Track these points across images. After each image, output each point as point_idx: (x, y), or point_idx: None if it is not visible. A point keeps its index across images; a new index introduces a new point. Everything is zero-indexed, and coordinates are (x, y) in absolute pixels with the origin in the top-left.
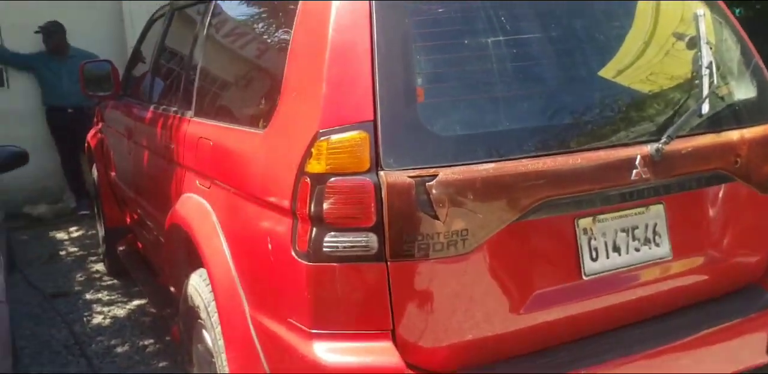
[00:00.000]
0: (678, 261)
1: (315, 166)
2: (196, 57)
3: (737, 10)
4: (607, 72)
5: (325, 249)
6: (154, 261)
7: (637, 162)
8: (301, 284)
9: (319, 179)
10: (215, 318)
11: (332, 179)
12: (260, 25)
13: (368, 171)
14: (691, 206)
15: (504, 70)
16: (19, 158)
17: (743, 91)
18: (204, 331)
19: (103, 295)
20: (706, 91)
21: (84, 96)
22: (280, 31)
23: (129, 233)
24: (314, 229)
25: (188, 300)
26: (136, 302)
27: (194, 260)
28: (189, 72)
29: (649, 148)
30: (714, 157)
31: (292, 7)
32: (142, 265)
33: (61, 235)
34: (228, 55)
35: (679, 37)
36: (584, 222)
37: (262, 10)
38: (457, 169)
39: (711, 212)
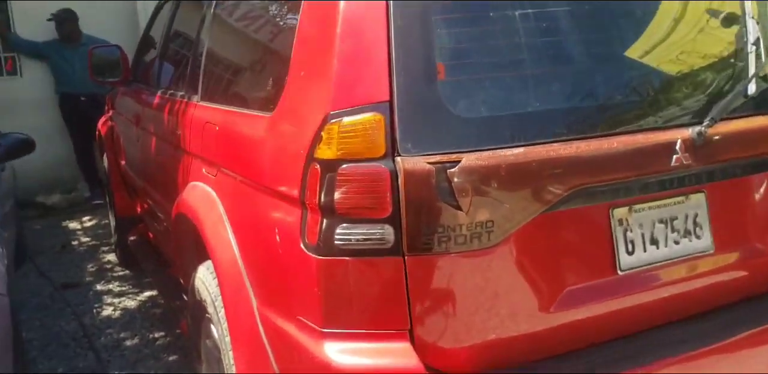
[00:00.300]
0: (720, 255)
1: (325, 152)
2: (202, 39)
3: None
4: (644, 49)
5: (336, 242)
6: (165, 252)
7: (677, 146)
8: (311, 279)
9: (330, 166)
10: (222, 313)
11: (344, 166)
12: (267, 2)
13: (383, 157)
14: (735, 195)
15: (533, 46)
16: (25, 145)
17: None
18: (212, 326)
19: (114, 286)
20: (752, 70)
21: (94, 83)
22: (287, 5)
23: (140, 223)
24: (325, 221)
25: (195, 293)
26: (147, 293)
27: (202, 251)
28: (195, 55)
29: (690, 132)
30: (761, 141)
31: None
32: (152, 255)
33: (74, 225)
34: (234, 35)
35: (716, 14)
36: (620, 212)
37: None
38: (482, 154)
39: (756, 202)
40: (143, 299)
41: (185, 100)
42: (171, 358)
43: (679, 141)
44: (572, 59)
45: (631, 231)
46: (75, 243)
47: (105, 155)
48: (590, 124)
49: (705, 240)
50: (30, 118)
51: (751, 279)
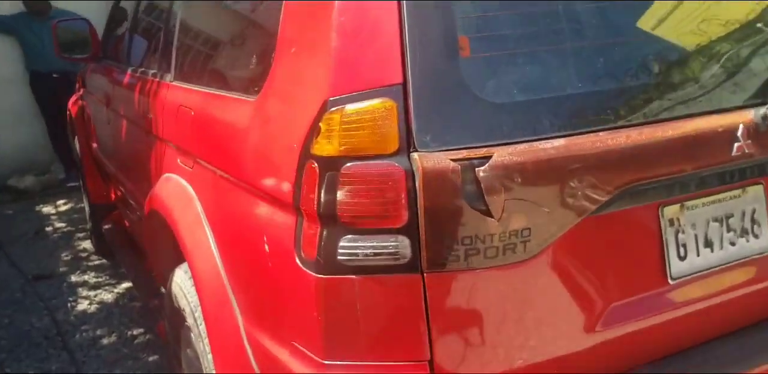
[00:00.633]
0: None
1: (324, 147)
2: (174, 10)
3: None
4: (697, 20)
5: (340, 257)
6: (141, 243)
7: (739, 132)
8: (308, 301)
9: (331, 164)
10: (203, 326)
11: (348, 164)
12: None
13: (397, 153)
14: None
15: (573, 16)
16: None
17: None
18: (192, 336)
19: (90, 277)
20: None
21: (61, 59)
22: None
23: (115, 210)
24: (325, 231)
25: (173, 299)
26: (125, 285)
27: (179, 252)
28: (167, 28)
29: (753, 115)
30: None
31: None
32: (128, 246)
33: (48, 209)
34: (210, 4)
35: None
36: (670, 210)
37: None
38: (516, 148)
39: None
40: (121, 291)
41: (157, 79)
42: (151, 358)
43: (741, 126)
44: (619, 31)
45: (683, 232)
46: (49, 229)
47: (76, 137)
48: (641, 108)
49: (764, 239)
50: (1, 97)
51: None
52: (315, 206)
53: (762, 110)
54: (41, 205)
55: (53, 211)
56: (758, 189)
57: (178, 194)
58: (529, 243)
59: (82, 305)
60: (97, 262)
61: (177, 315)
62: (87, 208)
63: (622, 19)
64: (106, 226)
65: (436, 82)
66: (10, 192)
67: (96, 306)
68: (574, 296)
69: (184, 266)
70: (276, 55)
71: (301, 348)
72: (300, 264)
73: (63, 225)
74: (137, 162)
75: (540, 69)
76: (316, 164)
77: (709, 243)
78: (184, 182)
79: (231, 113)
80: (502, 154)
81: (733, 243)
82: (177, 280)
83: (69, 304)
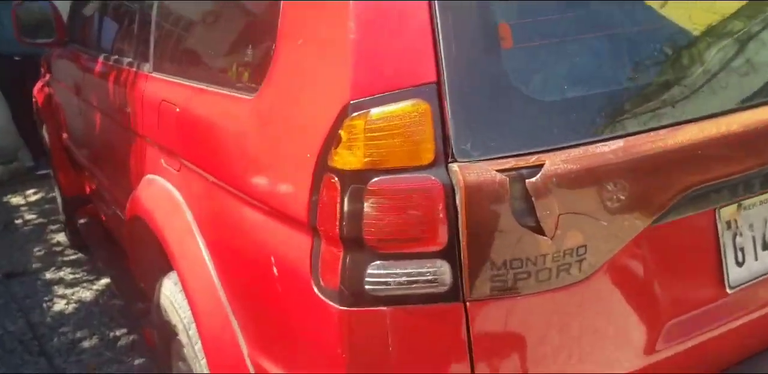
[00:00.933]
0: None
1: (346, 159)
2: None
3: None
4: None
5: (368, 286)
6: (119, 239)
7: None
8: (331, 335)
9: (354, 179)
10: (199, 346)
11: (375, 179)
12: None
13: (433, 164)
14: None
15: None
16: None
17: None
18: (185, 351)
19: (66, 273)
20: None
21: (23, 44)
22: None
23: (89, 203)
24: (349, 256)
25: (162, 312)
26: (104, 281)
27: (165, 259)
28: (144, 11)
29: None
30: None
31: None
32: (105, 241)
33: (17, 200)
34: None
35: None
36: (727, 212)
37: None
38: (570, 153)
39: None
40: (100, 288)
41: (133, 69)
42: (137, 362)
43: None
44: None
45: (741, 234)
46: (19, 221)
47: (45, 126)
48: (702, 100)
49: None
50: None
51: None
52: (336, 227)
53: None
54: (9, 196)
55: (23, 202)
56: None
57: (164, 200)
58: (584, 262)
59: (59, 304)
60: (72, 257)
61: (167, 328)
62: (59, 200)
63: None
64: (82, 221)
65: (475, 78)
66: None
67: (74, 305)
68: (630, 315)
69: (173, 276)
70: (277, 47)
71: None
72: (319, 294)
73: (34, 216)
74: (114, 158)
75: (592, 59)
76: (336, 178)
77: (767, 245)
78: (169, 186)
79: (224, 112)
80: (554, 162)
81: None
82: (166, 292)
83: (44, 304)
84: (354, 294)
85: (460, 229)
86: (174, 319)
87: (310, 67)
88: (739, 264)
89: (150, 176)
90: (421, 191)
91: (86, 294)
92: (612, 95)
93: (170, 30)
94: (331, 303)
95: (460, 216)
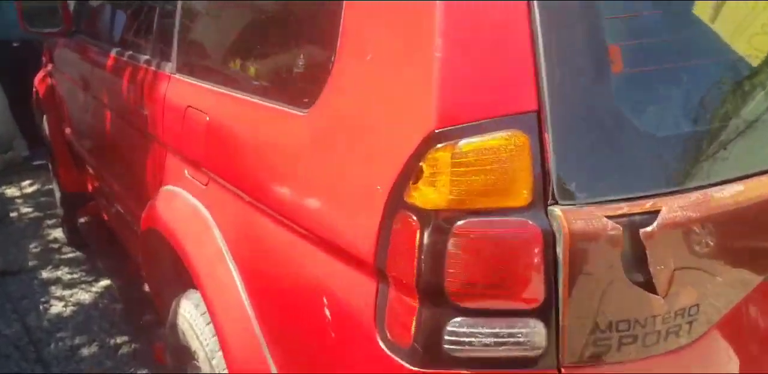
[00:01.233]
0: None
1: (428, 196)
2: None
3: None
4: None
5: (447, 345)
6: (125, 242)
7: None
8: None
9: (437, 219)
10: None
11: (461, 221)
12: None
13: (530, 206)
14: None
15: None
16: None
17: None
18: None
19: (64, 273)
20: None
21: (28, 34)
22: None
23: (91, 200)
24: (426, 309)
25: (179, 334)
26: (104, 283)
27: (184, 277)
28: (166, 3)
29: None
30: None
31: None
32: (107, 242)
33: (12, 191)
34: None
35: None
36: None
37: None
38: (688, 197)
39: None
40: (99, 290)
41: (152, 67)
42: (141, 372)
43: None
44: None
45: None
46: (14, 215)
47: (45, 119)
48: None
49: None
50: None
51: None
52: (412, 274)
53: None
54: (4, 187)
55: (18, 194)
56: None
57: (188, 216)
58: (695, 322)
59: (57, 307)
60: (71, 255)
61: (184, 353)
62: (58, 194)
63: None
64: (82, 220)
65: (581, 108)
66: None
67: (72, 308)
68: None
69: (194, 297)
70: (337, 59)
71: None
72: (385, 348)
73: (30, 210)
74: (125, 161)
75: (713, 87)
76: (414, 217)
77: None
78: (194, 201)
79: (267, 127)
80: (672, 208)
81: None
82: (185, 314)
83: (41, 306)
84: (430, 353)
85: (560, 284)
86: (194, 345)
87: (380, 86)
88: None
89: (170, 187)
90: (516, 237)
91: (85, 296)
92: (734, 130)
93: (198, 29)
94: (401, 361)
95: (560, 268)
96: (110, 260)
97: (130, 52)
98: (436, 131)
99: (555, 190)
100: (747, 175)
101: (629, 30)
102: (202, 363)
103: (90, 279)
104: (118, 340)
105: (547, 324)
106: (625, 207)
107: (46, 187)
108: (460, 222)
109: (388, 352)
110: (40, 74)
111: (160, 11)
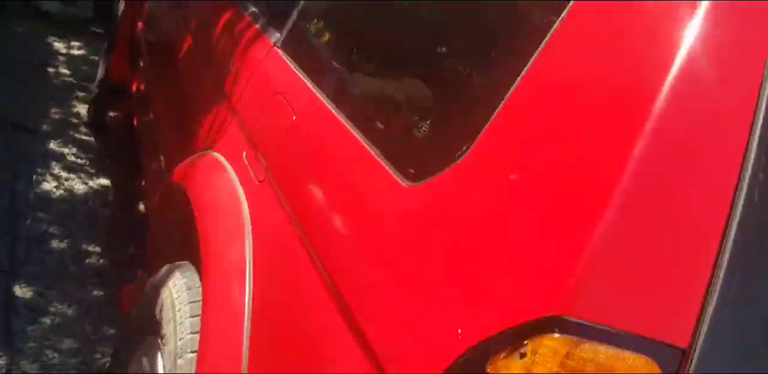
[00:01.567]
0: None
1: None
2: None
3: None
4: None
5: None
6: (142, 158)
7: None
8: None
9: None
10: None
11: None
12: None
13: None
14: None
15: None
16: None
17: None
18: (160, 358)
19: (70, 152)
20: None
21: None
22: None
23: (129, 100)
24: None
25: (156, 305)
26: (103, 182)
27: (190, 249)
28: None
29: None
30: None
31: None
32: (126, 148)
33: (59, 46)
34: None
35: None
36: None
37: None
38: None
39: None
40: (95, 188)
41: (257, 25)
42: (95, 293)
43: None
44: None
45: None
46: (51, 70)
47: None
48: None
49: None
50: None
51: None
52: None
53: None
54: (54, 38)
55: (64, 51)
56: None
57: (227, 206)
58: None
59: (48, 185)
60: (85, 138)
61: (151, 326)
62: (100, 75)
63: None
64: (112, 113)
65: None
66: (28, 10)
67: (62, 192)
68: None
69: (189, 274)
70: (490, 127)
71: None
72: None
73: (68, 72)
74: (186, 98)
75: None
76: None
77: None
78: (239, 189)
79: (365, 172)
80: None
81: None
82: (172, 290)
83: (35, 176)
84: None
85: None
86: (167, 329)
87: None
88: None
89: (221, 158)
90: None
91: (79, 187)
92: None
93: (325, 13)
94: None
95: None
96: (119, 165)
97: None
98: (566, 318)
99: None
100: None
101: None
102: (168, 342)
103: (91, 171)
104: (91, 248)
105: None
106: None
107: (92, 58)
108: None
109: None
110: None
111: None
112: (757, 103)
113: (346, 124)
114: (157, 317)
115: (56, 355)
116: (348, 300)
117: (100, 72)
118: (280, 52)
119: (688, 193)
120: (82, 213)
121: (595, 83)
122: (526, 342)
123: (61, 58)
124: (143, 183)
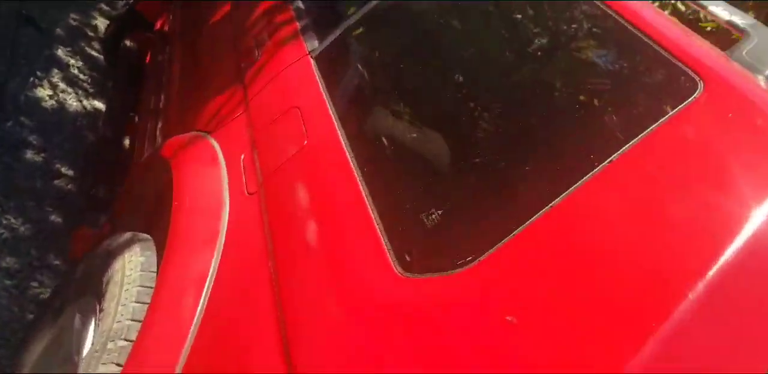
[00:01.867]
0: None
1: None
2: None
3: None
4: None
5: None
6: (143, 95)
7: None
8: None
9: None
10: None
11: None
12: None
13: None
14: None
15: None
16: None
17: None
18: (93, 323)
19: (75, 64)
20: None
21: None
22: None
23: (149, 34)
24: None
25: (105, 275)
26: (97, 105)
27: (157, 227)
28: None
29: None
30: None
31: None
32: (131, 79)
33: None
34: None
35: None
36: None
37: None
38: None
39: None
40: (89, 109)
41: (298, 23)
42: (52, 218)
43: None
44: None
45: None
46: None
47: None
48: None
49: None
50: None
51: None
52: None
53: None
54: None
55: None
56: None
57: (205, 210)
58: None
59: (42, 91)
60: (94, 54)
61: (96, 287)
62: None
63: None
64: (128, 42)
65: None
66: None
67: (53, 104)
68: None
69: (148, 254)
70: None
71: None
72: None
73: None
74: (203, 65)
75: None
76: None
77: None
78: (226, 197)
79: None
80: None
81: None
82: (128, 263)
83: (33, 78)
84: None
85: None
86: (110, 294)
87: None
88: None
89: (217, 149)
90: None
91: (73, 103)
92: None
93: (374, 39)
94: None
95: None
96: (119, 93)
97: None
98: None
99: None
100: None
101: None
102: (99, 329)
103: (90, 90)
104: (64, 170)
105: None
106: None
107: None
108: None
109: None
110: None
111: None
112: None
113: (356, 176)
114: (103, 285)
115: None
116: (293, 351)
117: None
118: (312, 62)
119: None
120: (67, 131)
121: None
122: None
123: None
124: (136, 119)
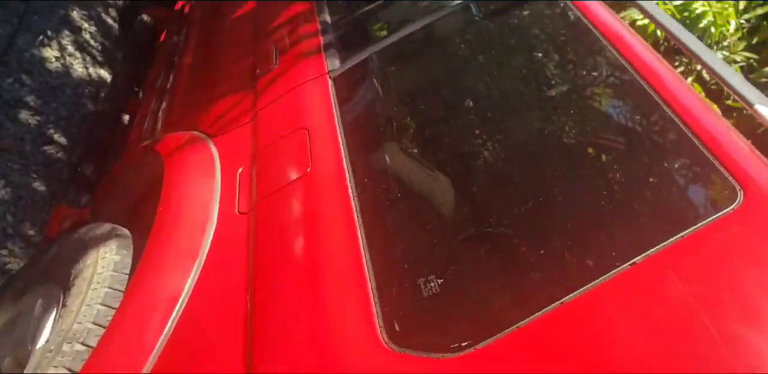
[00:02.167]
0: None
1: None
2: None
3: None
4: None
5: None
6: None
7: None
8: None
9: None
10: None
11: None
12: None
13: None
14: None
15: None
16: None
17: None
18: (59, 311)
19: (87, 30)
20: None
21: None
22: None
23: (165, 16)
24: None
25: (76, 266)
26: (103, 73)
27: (141, 221)
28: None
29: None
30: None
31: None
32: (141, 54)
33: None
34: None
35: None
36: None
37: None
38: None
39: None
40: (94, 77)
41: (321, 40)
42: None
43: None
44: None
45: None
46: None
47: None
48: None
49: None
50: None
51: None
52: None
53: None
54: None
55: None
56: None
57: (191, 223)
58: None
59: (50, 52)
60: (110, 20)
61: (63, 277)
62: None
63: None
64: (146, 17)
65: None
66: None
67: (58, 66)
68: None
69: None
70: None
71: None
72: None
73: None
74: (218, 60)
75: None
76: None
77: None
78: (214, 212)
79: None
80: None
81: None
82: (100, 259)
83: (42, 37)
84: None
85: None
86: (76, 289)
87: None
88: None
89: (215, 156)
90: None
91: (79, 70)
92: None
93: (403, 70)
94: None
95: None
96: (127, 67)
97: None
98: None
99: None
100: None
101: None
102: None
103: (98, 58)
104: (56, 137)
105: None
106: None
107: None
108: None
109: None
110: None
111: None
112: None
113: (357, 220)
114: (71, 278)
115: None
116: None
117: None
118: (330, 83)
119: None
120: (67, 97)
121: None
122: None
123: None
124: (140, 95)
